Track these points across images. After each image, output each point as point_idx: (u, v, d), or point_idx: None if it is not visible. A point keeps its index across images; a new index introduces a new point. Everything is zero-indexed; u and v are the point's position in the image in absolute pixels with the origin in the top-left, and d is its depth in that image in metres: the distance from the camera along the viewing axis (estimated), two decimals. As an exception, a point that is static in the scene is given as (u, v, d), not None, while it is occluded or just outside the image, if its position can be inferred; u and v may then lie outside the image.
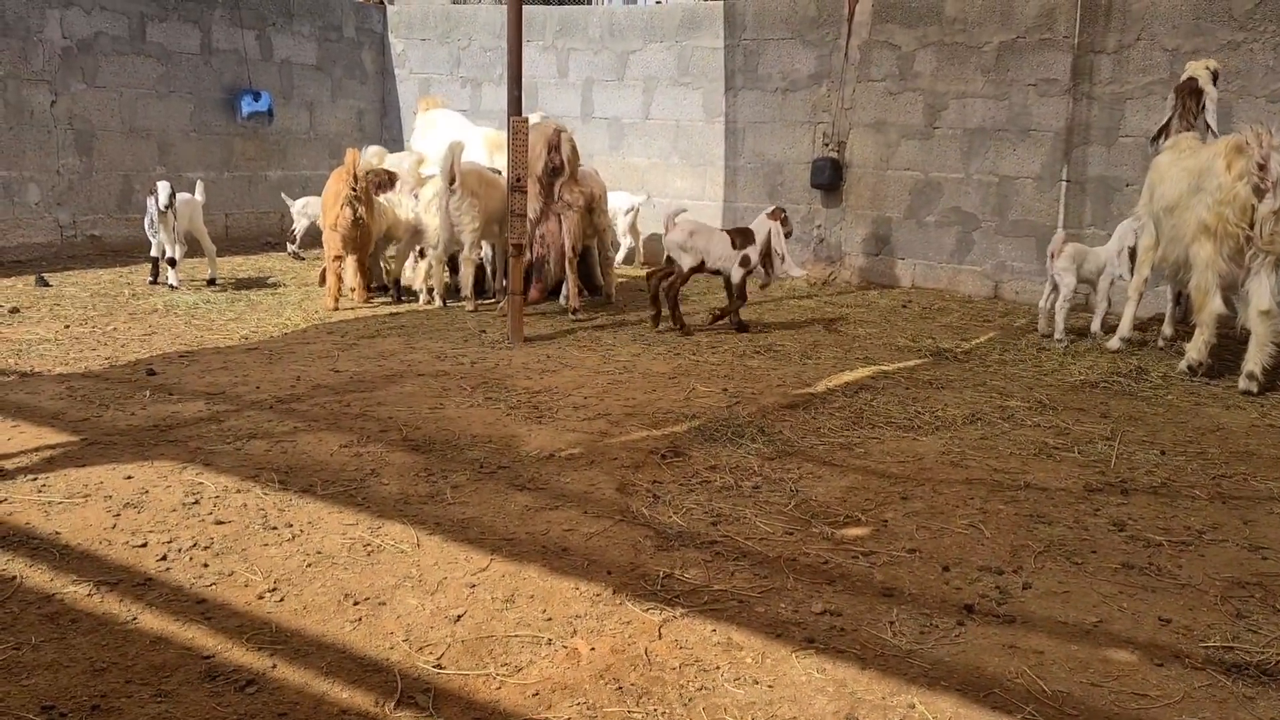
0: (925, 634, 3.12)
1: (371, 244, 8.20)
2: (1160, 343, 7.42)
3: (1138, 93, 8.56)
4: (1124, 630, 3.19)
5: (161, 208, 8.02)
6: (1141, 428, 5.43)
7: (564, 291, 8.23)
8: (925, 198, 9.60)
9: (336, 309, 7.85)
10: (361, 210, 7.79)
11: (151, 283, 8.39)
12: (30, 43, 9.17)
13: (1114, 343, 7.29)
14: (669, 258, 7.40)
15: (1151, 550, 3.81)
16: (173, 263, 8.28)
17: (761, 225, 7.36)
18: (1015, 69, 9.06)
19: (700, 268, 7.38)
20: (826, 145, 9.95)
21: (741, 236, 7.34)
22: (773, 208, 7.48)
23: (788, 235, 7.42)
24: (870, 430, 5.23)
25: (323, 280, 8.29)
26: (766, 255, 7.35)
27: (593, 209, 8.34)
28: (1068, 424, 5.43)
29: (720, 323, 7.66)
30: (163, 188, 8.02)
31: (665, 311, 7.50)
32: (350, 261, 8.24)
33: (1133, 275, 7.31)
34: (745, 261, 7.29)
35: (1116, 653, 3.04)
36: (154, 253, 8.39)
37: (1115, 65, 8.60)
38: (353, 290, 8.27)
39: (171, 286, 8.28)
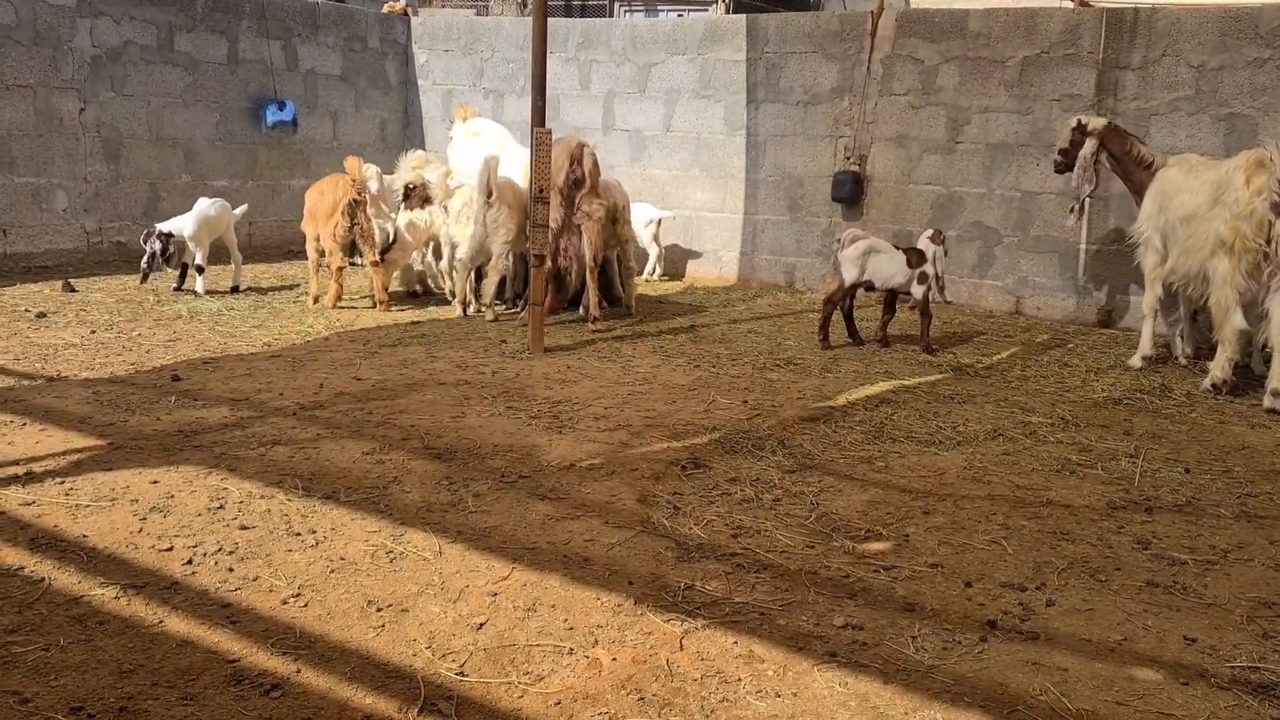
0: (948, 649, 3.11)
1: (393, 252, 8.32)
2: (1182, 360, 7.38)
3: (1163, 109, 8.53)
4: (1149, 649, 3.17)
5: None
6: (1165, 445, 5.40)
7: (584, 302, 8.25)
8: (947, 212, 9.58)
9: (335, 307, 8.23)
10: (361, 217, 7.94)
11: (176, 289, 8.44)
12: (61, 51, 9.29)
13: (1135, 361, 7.25)
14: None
15: (1176, 569, 3.78)
16: (200, 270, 8.37)
17: (926, 247, 7.42)
18: (1039, 84, 9.04)
19: (868, 285, 7.51)
20: (848, 159, 9.95)
21: (917, 255, 7.39)
22: (933, 230, 7.56)
23: (944, 254, 7.58)
24: (891, 444, 5.21)
25: (315, 300, 8.33)
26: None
27: (616, 220, 8.37)
28: (1091, 441, 5.41)
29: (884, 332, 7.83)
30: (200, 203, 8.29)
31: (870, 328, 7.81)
32: (378, 272, 8.30)
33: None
34: (924, 278, 7.35)
35: (1141, 671, 3.02)
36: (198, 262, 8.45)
37: (1140, 81, 8.57)
38: (382, 301, 8.32)
39: (196, 294, 8.36)
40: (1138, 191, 7.33)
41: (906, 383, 6.53)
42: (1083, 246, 9.01)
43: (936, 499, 4.44)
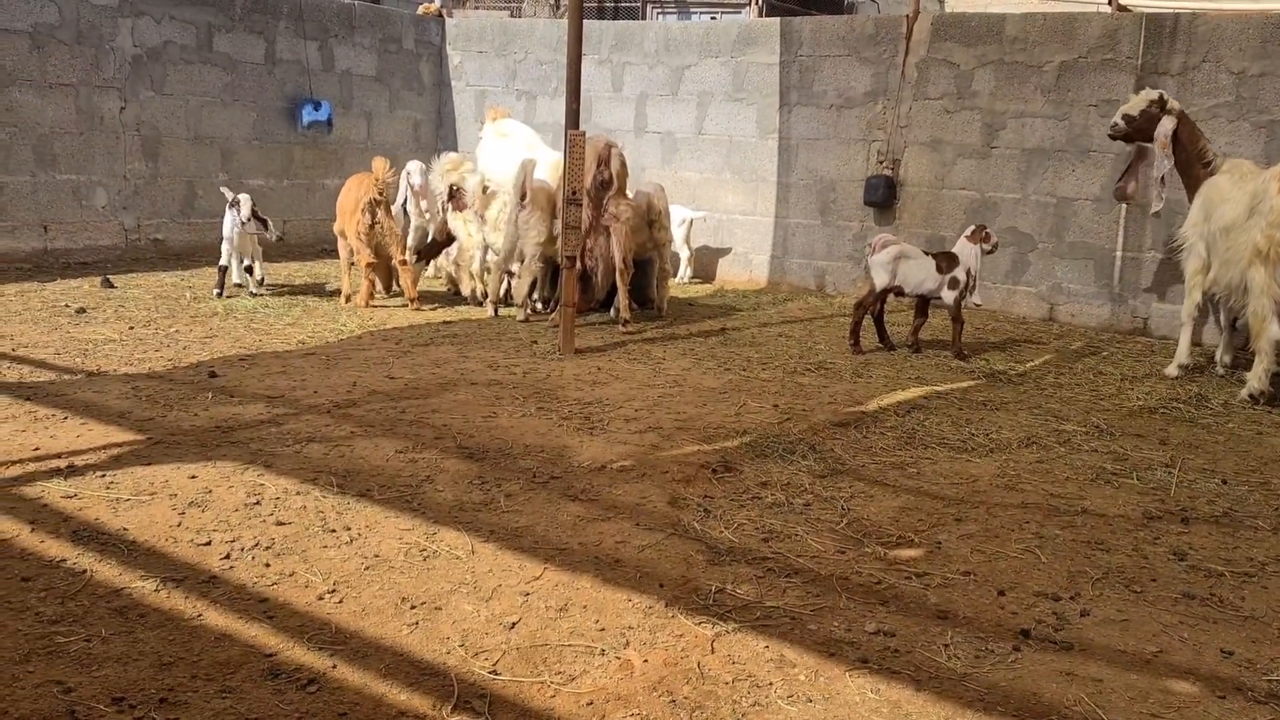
0: (981, 658, 3.10)
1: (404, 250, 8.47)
2: (1219, 370, 7.30)
3: (1203, 115, 8.41)
4: (1185, 661, 3.14)
5: (244, 220, 8.12)
6: (1202, 455, 5.34)
7: (615, 304, 8.26)
8: (981, 217, 9.50)
9: (368, 305, 8.31)
10: (380, 215, 8.04)
11: (218, 295, 8.26)
12: (103, 51, 9.42)
13: (1172, 369, 7.18)
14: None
15: (1213, 580, 3.75)
16: (250, 270, 8.44)
17: (964, 248, 7.38)
18: (1076, 89, 8.97)
19: (898, 291, 7.49)
20: (881, 163, 9.91)
21: (947, 260, 7.36)
22: (974, 227, 7.47)
23: (991, 250, 7.51)
24: (923, 450, 5.19)
25: (347, 299, 8.39)
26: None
27: (653, 223, 8.38)
28: (1126, 450, 5.36)
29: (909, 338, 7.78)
30: (244, 201, 8.13)
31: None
32: (407, 271, 8.37)
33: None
34: (954, 284, 7.31)
35: (1177, 684, 3.00)
36: (223, 261, 8.35)
37: (1180, 87, 8.47)
38: (411, 300, 8.39)
39: (253, 294, 8.44)
40: (1191, 188, 7.14)
41: (939, 388, 6.49)
42: (1119, 253, 8.92)
43: (969, 506, 4.42)
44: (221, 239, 8.36)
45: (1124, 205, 8.57)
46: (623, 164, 7.82)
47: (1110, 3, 10.03)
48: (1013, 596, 3.54)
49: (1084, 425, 5.79)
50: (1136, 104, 7.22)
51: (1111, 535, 4.15)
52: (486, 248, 8.44)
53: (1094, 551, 3.97)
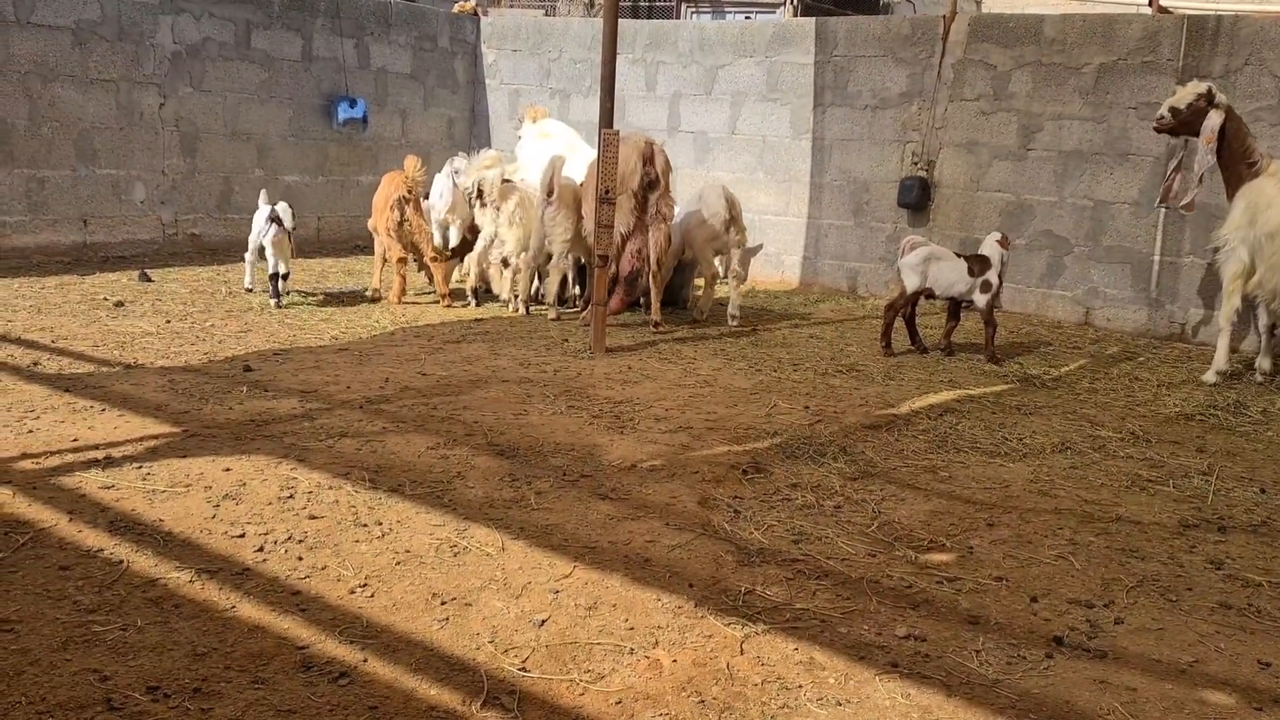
0: (1012, 664, 3.07)
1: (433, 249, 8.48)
2: (1258, 377, 7.18)
3: (1245, 119, 8.29)
4: (1221, 671, 3.10)
5: (290, 229, 7.73)
6: (1240, 463, 5.26)
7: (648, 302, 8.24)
8: (1016, 220, 9.43)
9: (401, 302, 8.33)
10: (410, 212, 8.08)
11: (277, 305, 7.85)
12: (143, 47, 9.54)
13: (1210, 376, 7.08)
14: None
15: (1251, 590, 3.69)
16: (285, 277, 7.94)
17: (993, 250, 7.33)
18: (1115, 91, 8.86)
19: (929, 294, 7.43)
20: (915, 164, 9.85)
21: (979, 263, 7.30)
22: (1001, 234, 7.44)
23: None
24: (955, 454, 5.15)
25: (375, 299, 8.42)
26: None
27: (734, 220, 8.31)
28: (1162, 457, 5.29)
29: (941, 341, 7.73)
30: (284, 210, 7.74)
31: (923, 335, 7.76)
32: (438, 268, 8.42)
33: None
34: (986, 287, 7.25)
35: (1213, 694, 2.96)
36: (280, 269, 7.88)
37: (1221, 90, 8.34)
38: (443, 297, 8.44)
39: (279, 298, 7.96)
40: (1233, 187, 6.98)
41: (971, 392, 6.44)
42: (1156, 257, 8.81)
43: (1001, 511, 4.38)
44: (257, 244, 8.01)
45: (1164, 210, 8.46)
46: (667, 162, 7.72)
47: (1150, 4, 9.91)
48: (1045, 603, 3.51)
49: (1119, 431, 5.73)
50: (1184, 96, 7.06)
51: (1147, 543, 4.10)
52: (492, 240, 8.33)
53: (1129, 559, 3.92)
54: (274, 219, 7.71)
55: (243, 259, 8.37)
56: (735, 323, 8.26)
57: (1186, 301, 8.72)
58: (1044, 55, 9.17)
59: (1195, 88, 7.05)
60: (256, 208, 8.07)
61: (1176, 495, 4.71)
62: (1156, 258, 8.80)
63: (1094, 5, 12.69)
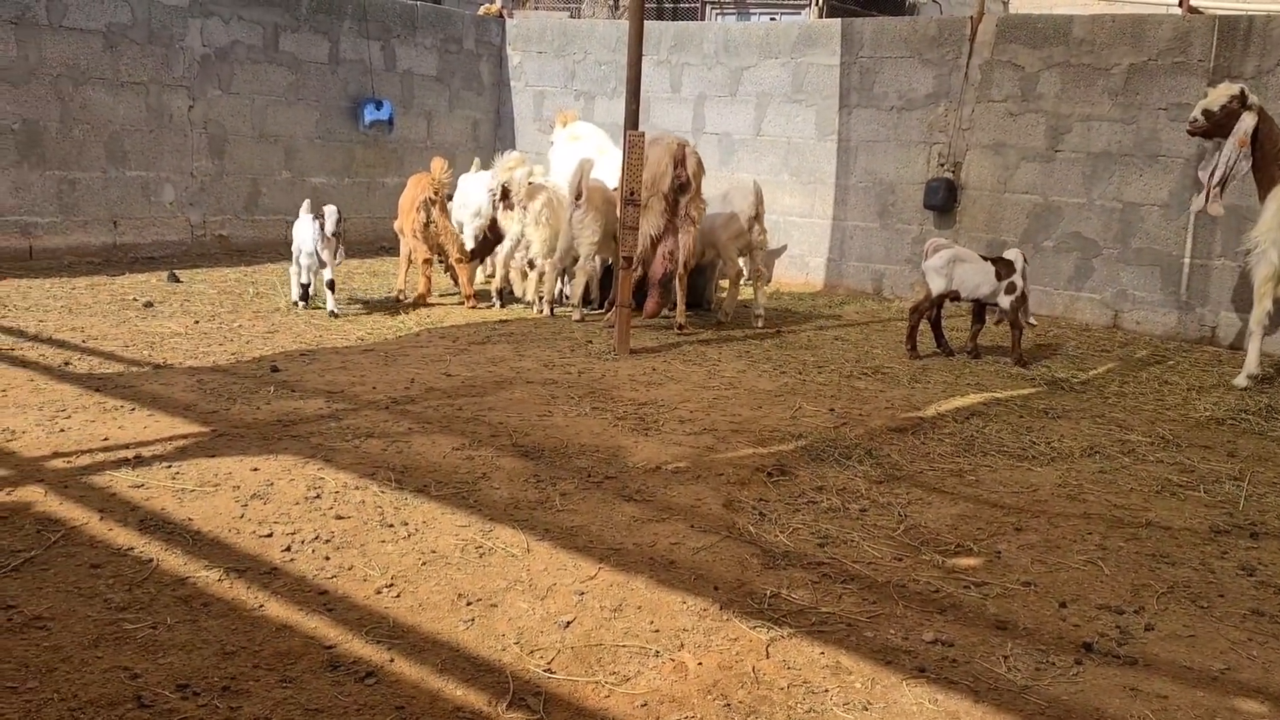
0: (1041, 670, 3.05)
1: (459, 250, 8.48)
2: (1292, 381, 7.10)
3: (1277, 120, 8.19)
4: (1253, 679, 3.06)
5: (330, 234, 7.44)
6: (1272, 468, 5.20)
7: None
8: (1043, 222, 9.36)
9: (425, 304, 8.36)
10: (435, 214, 8.11)
11: (333, 315, 7.60)
12: (173, 50, 9.63)
13: (1241, 380, 6.99)
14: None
15: (1284, 598, 3.64)
16: (332, 286, 7.64)
17: (1016, 257, 7.32)
18: (1145, 92, 8.78)
19: (954, 296, 7.39)
20: (942, 166, 9.79)
21: (1005, 266, 7.27)
22: (1019, 251, 7.46)
23: None
24: (982, 458, 5.12)
25: (410, 301, 8.45)
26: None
27: (759, 217, 8.30)
28: (1192, 461, 5.23)
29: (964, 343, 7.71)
30: (330, 212, 7.47)
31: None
32: (463, 269, 8.45)
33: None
34: (1011, 289, 7.23)
35: (1245, 702, 2.92)
36: (303, 279, 7.80)
37: (1253, 91, 8.24)
38: (468, 298, 8.47)
39: (334, 314, 7.60)
40: (1265, 189, 6.89)
41: (998, 395, 6.40)
42: (1187, 260, 8.71)
43: (1029, 515, 4.35)
44: (298, 250, 7.73)
45: (1193, 213, 8.36)
46: (699, 165, 7.66)
47: (1181, 4, 9.81)
48: (1074, 609, 3.48)
49: (1149, 436, 5.67)
50: (1217, 98, 6.98)
51: (1177, 548, 4.05)
52: (519, 241, 8.32)
53: (1159, 565, 3.88)
54: (322, 223, 7.42)
55: (281, 262, 8.31)
56: (760, 322, 8.25)
57: (1217, 304, 8.61)
58: (1073, 56, 9.10)
59: (1228, 90, 6.96)
60: (297, 216, 7.79)
61: (1207, 500, 4.66)
62: (1187, 260, 8.71)
63: (1122, 6, 12.57)
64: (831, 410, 5.84)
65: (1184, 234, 8.70)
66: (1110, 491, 4.71)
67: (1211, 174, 7.13)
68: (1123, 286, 9.04)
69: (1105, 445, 5.43)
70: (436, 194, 8.15)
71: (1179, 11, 9.34)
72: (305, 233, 7.58)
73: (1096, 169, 9.08)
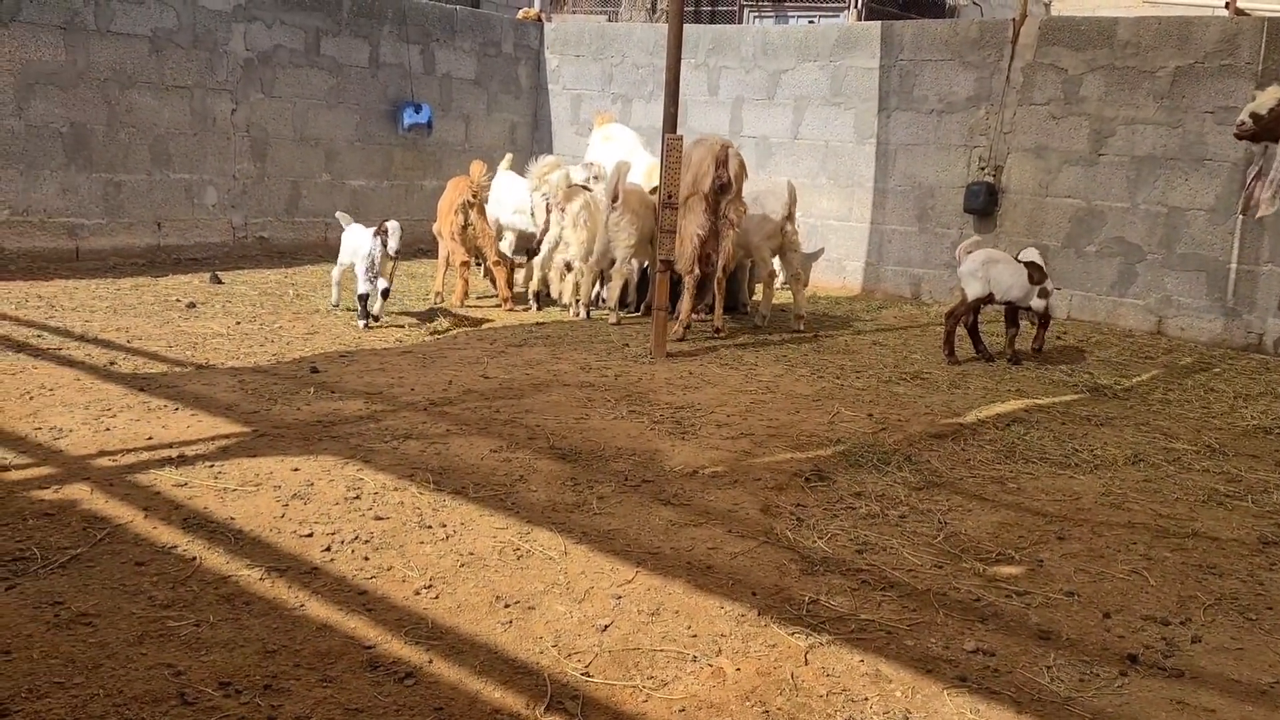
0: (1085, 682, 3.00)
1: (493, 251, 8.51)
2: (1342, 389, 6.95)
3: (1326, 122, 8.03)
4: (1305, 695, 2.99)
5: (392, 253, 7.15)
6: (1322, 479, 5.09)
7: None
8: (1086, 226, 9.24)
9: (463, 305, 8.40)
10: (473, 216, 8.17)
11: (366, 326, 7.31)
12: (217, 55, 9.77)
13: (1290, 387, 6.86)
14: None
15: (1336, 612, 3.56)
16: (386, 294, 7.36)
17: (1037, 257, 7.37)
18: (1191, 96, 8.64)
19: (989, 299, 7.35)
20: (982, 169, 9.70)
21: (1038, 271, 7.28)
22: (1036, 250, 7.51)
23: None
24: (1023, 465, 5.06)
25: (439, 303, 8.48)
26: None
27: (790, 218, 8.28)
28: (1240, 471, 5.13)
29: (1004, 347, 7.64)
30: (393, 229, 7.10)
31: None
32: (500, 272, 8.49)
33: None
34: (1044, 294, 7.25)
35: (1297, 719, 2.86)
36: (362, 289, 7.24)
37: (1302, 93, 8.09)
38: (505, 301, 8.51)
39: (375, 317, 7.41)
40: None
41: (1040, 402, 6.32)
42: (1233, 265, 8.56)
43: (1072, 524, 4.28)
44: (349, 262, 7.54)
45: (1240, 217, 8.21)
46: (741, 165, 7.59)
47: (1227, 6, 9.65)
48: (1119, 619, 3.42)
49: (1195, 444, 5.57)
50: (1265, 101, 6.83)
51: (1225, 559, 3.98)
52: (556, 244, 8.28)
53: (1206, 576, 3.81)
54: (384, 239, 7.10)
55: (320, 264, 8.34)
56: (801, 324, 8.21)
57: (1264, 311, 8.45)
58: (1117, 59, 8.98)
59: (1276, 92, 6.82)
60: (335, 220, 7.76)
61: (1255, 510, 4.57)
62: (1233, 266, 8.56)
63: (1165, 8, 12.40)
64: (870, 415, 5.80)
65: (1230, 239, 8.55)
66: (1155, 500, 4.63)
67: (1256, 180, 6.99)
68: (1167, 292, 8.91)
69: (1150, 453, 5.35)
70: (475, 197, 8.20)
71: (1225, 13, 9.20)
72: (361, 245, 7.25)
73: (1141, 173, 8.95)
